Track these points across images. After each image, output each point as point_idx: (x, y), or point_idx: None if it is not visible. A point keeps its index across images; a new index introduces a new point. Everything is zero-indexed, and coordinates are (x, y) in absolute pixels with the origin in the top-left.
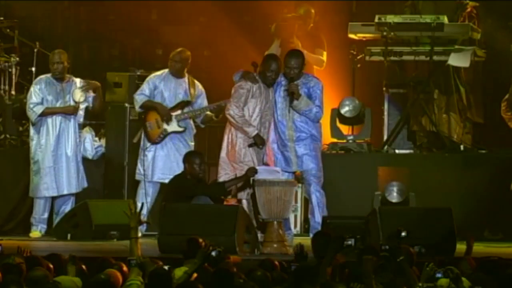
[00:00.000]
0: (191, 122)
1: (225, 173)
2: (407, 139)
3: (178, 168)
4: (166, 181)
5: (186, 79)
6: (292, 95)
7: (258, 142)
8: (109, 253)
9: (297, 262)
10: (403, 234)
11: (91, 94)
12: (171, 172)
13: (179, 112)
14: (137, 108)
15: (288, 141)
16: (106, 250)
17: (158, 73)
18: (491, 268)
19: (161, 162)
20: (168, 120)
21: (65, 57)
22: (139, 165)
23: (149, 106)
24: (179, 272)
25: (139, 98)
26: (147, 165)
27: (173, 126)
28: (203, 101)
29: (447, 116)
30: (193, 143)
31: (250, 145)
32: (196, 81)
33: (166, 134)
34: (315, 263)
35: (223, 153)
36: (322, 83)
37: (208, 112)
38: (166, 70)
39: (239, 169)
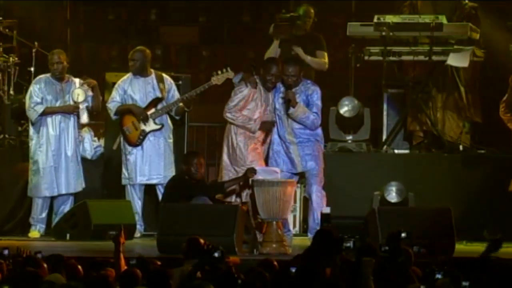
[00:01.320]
0: (168, 119)
1: (228, 178)
2: (405, 139)
3: (163, 166)
4: (151, 182)
5: (153, 75)
6: (288, 103)
7: (268, 128)
8: (108, 253)
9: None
10: (403, 235)
11: (90, 93)
12: (155, 172)
13: (153, 110)
14: (112, 116)
15: (290, 144)
16: (105, 250)
17: (124, 77)
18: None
19: (143, 164)
20: (144, 119)
21: (64, 57)
22: (123, 170)
23: (124, 110)
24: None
25: (112, 105)
26: (131, 168)
27: (150, 125)
28: (175, 93)
29: (445, 116)
30: (171, 140)
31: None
32: (164, 75)
33: (145, 134)
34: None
35: (225, 157)
36: (320, 90)
37: (180, 104)
38: (130, 73)
39: (238, 170)
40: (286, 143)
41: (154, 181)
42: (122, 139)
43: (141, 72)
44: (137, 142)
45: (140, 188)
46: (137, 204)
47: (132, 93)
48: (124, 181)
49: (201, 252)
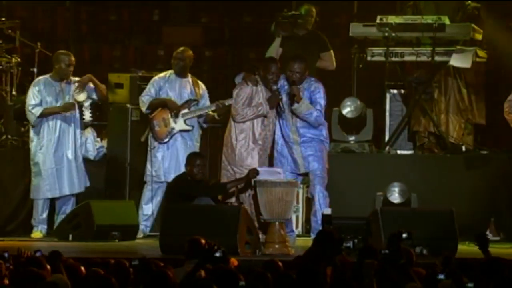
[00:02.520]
0: (197, 122)
1: (226, 178)
2: (408, 140)
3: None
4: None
5: (189, 79)
6: (293, 97)
7: (274, 101)
8: (111, 253)
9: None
10: (404, 235)
11: (90, 86)
12: (178, 171)
13: (186, 110)
14: (144, 109)
15: (293, 144)
16: (108, 251)
17: (162, 74)
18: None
19: (169, 163)
20: (176, 115)
21: (74, 60)
22: (148, 166)
23: (158, 103)
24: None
25: (145, 99)
26: (158, 166)
27: (180, 125)
28: (206, 101)
29: (448, 117)
30: (198, 144)
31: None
32: (199, 81)
33: (173, 133)
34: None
35: (223, 157)
36: (323, 88)
37: (210, 112)
38: (170, 71)
39: (239, 173)
40: (289, 143)
41: None
42: (150, 133)
43: (182, 72)
44: (164, 139)
45: (163, 186)
46: (154, 203)
47: (168, 90)
48: (147, 178)
49: (203, 251)
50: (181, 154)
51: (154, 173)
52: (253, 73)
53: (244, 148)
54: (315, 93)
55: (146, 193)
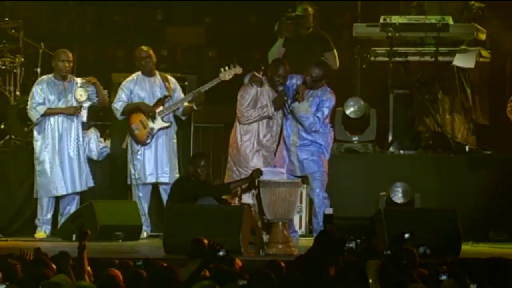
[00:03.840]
0: (173, 117)
1: (231, 179)
2: (412, 140)
3: (168, 165)
4: (160, 181)
5: (157, 75)
6: (296, 95)
7: (280, 103)
8: (114, 253)
9: None
10: (406, 235)
11: (93, 89)
12: (165, 171)
13: (161, 108)
14: (118, 116)
15: (291, 146)
16: (111, 251)
17: (130, 78)
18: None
19: (153, 163)
20: (152, 117)
21: (71, 57)
22: (131, 170)
23: (132, 109)
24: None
25: (118, 105)
26: (140, 168)
27: (159, 123)
28: (179, 94)
29: (452, 117)
30: (175, 140)
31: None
32: (168, 76)
33: (154, 132)
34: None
35: (229, 158)
36: (334, 101)
37: (187, 103)
38: (137, 73)
39: (244, 173)
40: (287, 144)
41: (162, 180)
42: (130, 138)
43: (151, 71)
44: (146, 141)
45: (148, 188)
46: (144, 205)
47: (139, 92)
48: (131, 181)
49: (206, 250)
50: (164, 152)
51: (136, 175)
52: (259, 73)
53: (249, 149)
54: (324, 101)
55: (133, 197)
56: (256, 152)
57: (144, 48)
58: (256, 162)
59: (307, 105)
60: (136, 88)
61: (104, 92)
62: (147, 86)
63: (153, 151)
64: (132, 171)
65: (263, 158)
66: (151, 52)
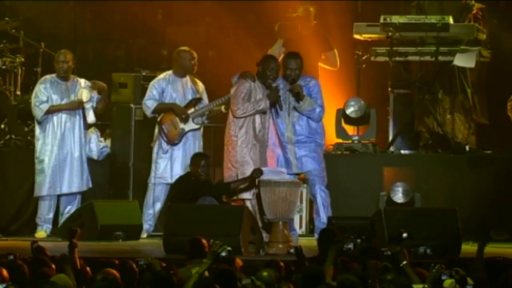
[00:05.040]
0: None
1: (229, 176)
2: (412, 140)
3: None
4: None
5: (188, 77)
6: (297, 95)
7: (274, 96)
8: (114, 253)
9: (297, 264)
10: (404, 235)
11: (96, 95)
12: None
13: (192, 110)
14: (148, 113)
15: (287, 143)
16: (111, 251)
17: (162, 76)
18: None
19: (179, 164)
20: (185, 120)
21: (70, 57)
22: (154, 168)
23: (164, 109)
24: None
25: (150, 103)
26: (165, 168)
27: (190, 125)
28: (205, 98)
29: (452, 116)
30: (201, 142)
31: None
32: (196, 79)
33: (184, 133)
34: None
35: (225, 156)
36: (319, 83)
37: (215, 108)
38: (170, 72)
39: (240, 169)
40: (283, 142)
41: None
42: (160, 137)
43: (183, 72)
44: (176, 141)
45: (165, 188)
46: (158, 204)
47: (171, 91)
48: (154, 180)
49: (209, 251)
50: (189, 154)
51: (159, 175)
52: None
53: (245, 144)
54: (313, 89)
55: (153, 193)
56: (253, 146)
57: (187, 48)
58: (253, 156)
59: (309, 99)
60: (169, 87)
61: (106, 102)
62: (179, 86)
63: (182, 152)
64: (155, 169)
65: (259, 153)
66: (185, 55)
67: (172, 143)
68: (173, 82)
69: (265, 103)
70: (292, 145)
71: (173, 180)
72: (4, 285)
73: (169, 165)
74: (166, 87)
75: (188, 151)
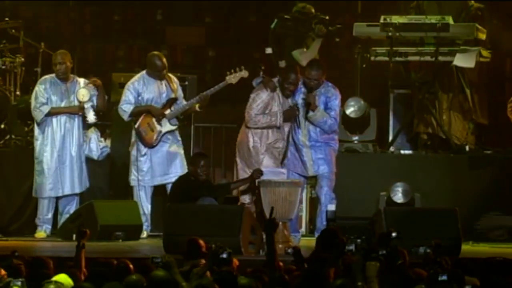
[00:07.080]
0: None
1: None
2: (411, 140)
3: (174, 167)
4: (170, 181)
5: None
6: (308, 106)
7: (291, 115)
8: (115, 253)
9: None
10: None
11: (95, 92)
12: (171, 172)
13: (168, 111)
14: (126, 118)
15: (303, 147)
16: (112, 251)
17: (135, 78)
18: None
19: (159, 166)
20: (161, 120)
21: (68, 58)
22: (133, 171)
23: (141, 111)
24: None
25: (126, 107)
26: (146, 170)
27: (166, 126)
28: (181, 93)
29: (452, 116)
30: (180, 140)
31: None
32: (170, 75)
33: (161, 135)
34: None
35: (238, 160)
36: (340, 95)
37: (191, 106)
38: (143, 73)
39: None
40: (299, 145)
41: (173, 180)
42: (138, 141)
43: (156, 75)
44: (154, 143)
45: (150, 189)
46: (147, 205)
47: (147, 95)
48: (133, 182)
49: (209, 253)
50: (167, 155)
51: (139, 177)
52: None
53: (260, 150)
54: (331, 99)
55: (135, 197)
56: (267, 151)
57: (154, 52)
58: (266, 162)
59: (322, 110)
60: (144, 89)
61: (105, 97)
62: (154, 87)
63: (161, 153)
64: (135, 172)
65: (274, 158)
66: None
67: (150, 145)
68: (147, 83)
69: (279, 119)
70: (308, 148)
71: (156, 183)
72: (20, 280)
73: (151, 168)
74: (141, 89)
75: (167, 152)
